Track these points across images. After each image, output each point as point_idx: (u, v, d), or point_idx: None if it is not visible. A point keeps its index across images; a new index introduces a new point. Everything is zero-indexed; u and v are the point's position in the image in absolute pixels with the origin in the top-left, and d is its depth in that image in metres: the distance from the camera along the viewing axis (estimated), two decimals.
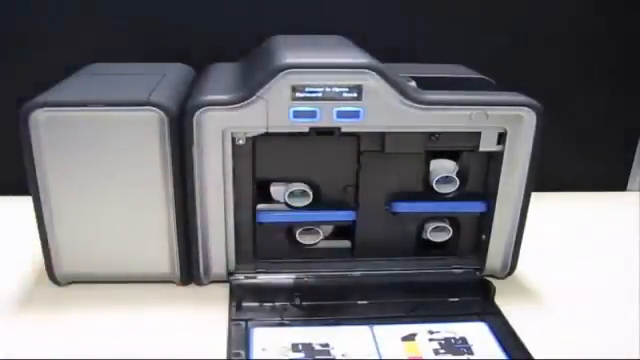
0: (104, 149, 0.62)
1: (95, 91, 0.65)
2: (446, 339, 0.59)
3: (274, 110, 0.61)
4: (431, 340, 0.59)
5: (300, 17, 0.86)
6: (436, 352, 0.58)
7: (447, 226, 0.70)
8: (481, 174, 0.68)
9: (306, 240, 0.70)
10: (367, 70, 0.60)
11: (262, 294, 0.65)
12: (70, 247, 0.66)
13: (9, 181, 0.81)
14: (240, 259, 0.69)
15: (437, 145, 0.66)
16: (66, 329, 0.61)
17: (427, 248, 0.71)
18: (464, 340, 0.59)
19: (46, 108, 0.60)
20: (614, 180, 1.01)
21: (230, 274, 0.68)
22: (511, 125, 0.64)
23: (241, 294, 0.65)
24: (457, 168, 0.68)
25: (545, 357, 0.57)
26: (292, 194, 0.67)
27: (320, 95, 0.60)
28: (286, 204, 0.67)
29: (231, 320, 0.61)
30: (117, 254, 0.66)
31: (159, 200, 0.64)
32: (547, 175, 0.75)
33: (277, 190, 0.68)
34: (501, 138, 0.65)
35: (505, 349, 0.58)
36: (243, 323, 0.61)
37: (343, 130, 0.63)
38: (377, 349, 0.58)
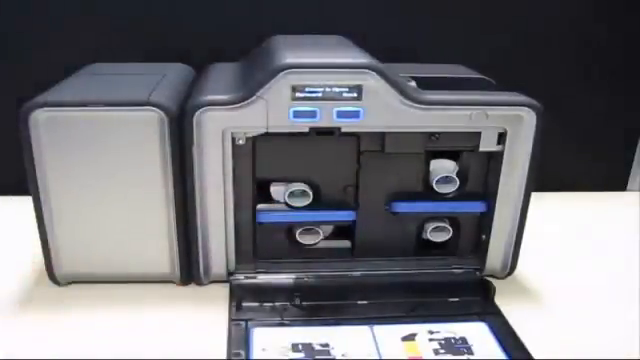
0: (104, 149, 0.62)
1: (95, 91, 0.65)
2: (446, 339, 0.59)
3: (274, 110, 0.61)
4: (431, 340, 0.59)
5: (300, 17, 0.86)
6: (436, 352, 0.58)
7: (447, 226, 0.70)
8: (481, 174, 0.68)
9: (306, 240, 0.70)
10: (367, 70, 0.60)
11: (262, 294, 0.65)
12: (70, 247, 0.66)
13: (9, 181, 0.81)
14: (240, 259, 0.69)
15: (437, 145, 0.66)
16: (66, 329, 0.61)
17: (427, 248, 0.71)
18: (464, 340, 0.59)
19: (46, 108, 0.60)
20: (614, 180, 1.01)
21: (230, 274, 0.68)
22: (511, 125, 0.64)
23: (241, 294, 0.65)
24: (457, 168, 0.68)
25: (545, 357, 0.57)
26: (292, 194, 0.67)
27: (320, 95, 0.60)
28: (286, 204, 0.67)
29: (231, 320, 0.61)
30: (117, 254, 0.66)
31: (159, 200, 0.64)
32: (547, 175, 0.75)
33: (277, 190, 0.68)
34: (501, 138, 0.65)
35: (505, 349, 0.58)
36: (243, 323, 0.61)
37: (343, 130, 0.63)
38: (377, 349, 0.58)
